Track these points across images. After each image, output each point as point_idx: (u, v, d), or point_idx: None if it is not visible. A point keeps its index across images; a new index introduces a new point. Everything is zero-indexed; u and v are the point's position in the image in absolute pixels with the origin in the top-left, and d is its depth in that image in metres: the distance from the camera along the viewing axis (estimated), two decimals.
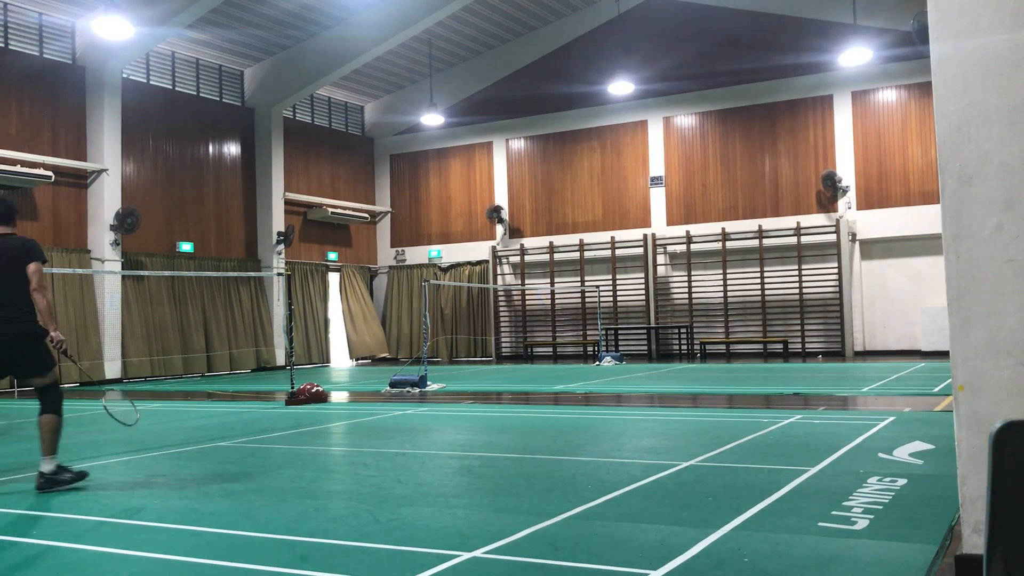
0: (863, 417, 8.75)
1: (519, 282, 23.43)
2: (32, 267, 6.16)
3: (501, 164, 23.90)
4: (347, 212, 23.87)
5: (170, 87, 20.22)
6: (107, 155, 17.88)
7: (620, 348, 21.78)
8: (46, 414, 6.13)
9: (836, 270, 19.91)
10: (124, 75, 18.65)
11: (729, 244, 20.99)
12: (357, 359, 24.14)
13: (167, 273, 13.74)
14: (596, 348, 21.39)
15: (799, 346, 20.23)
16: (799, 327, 20.28)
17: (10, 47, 17.02)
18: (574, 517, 4.76)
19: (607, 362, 19.30)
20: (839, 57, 19.30)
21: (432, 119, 22.53)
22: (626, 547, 4.13)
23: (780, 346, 20.26)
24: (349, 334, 23.94)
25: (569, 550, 4.09)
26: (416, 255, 24.98)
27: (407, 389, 13.59)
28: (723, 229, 20.96)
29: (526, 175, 23.62)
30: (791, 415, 9.02)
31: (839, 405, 10.06)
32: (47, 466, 6.01)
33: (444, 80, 24.03)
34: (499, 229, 23.66)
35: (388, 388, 13.83)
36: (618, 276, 22.18)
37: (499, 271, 23.71)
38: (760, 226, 20.62)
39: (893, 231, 19.52)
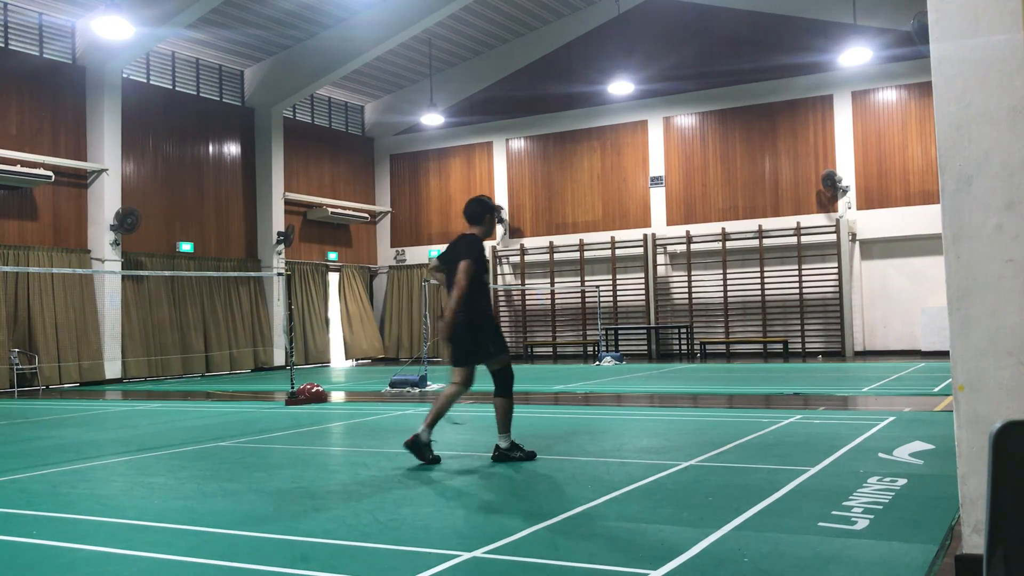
0: (863, 417, 8.75)
1: (519, 282, 23.43)
2: (461, 263, 6.62)
3: (501, 164, 23.90)
4: (347, 212, 23.87)
5: (170, 87, 20.22)
6: (107, 155, 17.88)
7: (620, 348, 21.78)
8: (497, 397, 6.76)
9: (836, 270, 19.91)
10: (124, 75, 18.65)
11: (729, 244, 20.99)
12: (356, 360, 24.14)
13: (167, 273, 13.75)
14: (596, 348, 21.39)
15: (799, 346, 20.23)
16: (799, 327, 20.28)
17: (10, 47, 17.02)
18: (574, 517, 4.76)
19: (607, 362, 19.30)
20: (839, 57, 19.30)
21: (432, 119, 22.53)
22: (626, 547, 4.13)
23: (780, 346, 20.26)
24: (345, 335, 23.95)
25: (569, 550, 4.09)
26: (416, 255, 24.98)
27: (407, 389, 13.59)
28: (723, 229, 20.96)
29: (526, 175, 23.62)
30: (791, 415, 9.02)
31: (839, 405, 10.06)
32: (502, 442, 6.67)
33: (444, 80, 24.03)
34: (499, 229, 23.66)
35: (388, 388, 13.83)
36: (618, 276, 22.18)
37: (499, 271, 23.70)
38: (760, 226, 20.62)
39: (893, 231, 19.52)
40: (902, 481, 5.44)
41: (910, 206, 19.38)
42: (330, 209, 23.23)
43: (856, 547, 4.03)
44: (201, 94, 20.83)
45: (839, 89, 20.18)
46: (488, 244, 23.71)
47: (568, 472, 6.20)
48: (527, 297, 23.43)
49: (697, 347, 21.12)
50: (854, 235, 19.92)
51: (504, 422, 6.72)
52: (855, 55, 18.40)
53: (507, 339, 23.89)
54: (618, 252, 22.19)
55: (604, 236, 22.40)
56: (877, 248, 19.92)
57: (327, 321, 23.52)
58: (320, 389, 12.39)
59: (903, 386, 11.94)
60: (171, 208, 19.72)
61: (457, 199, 24.44)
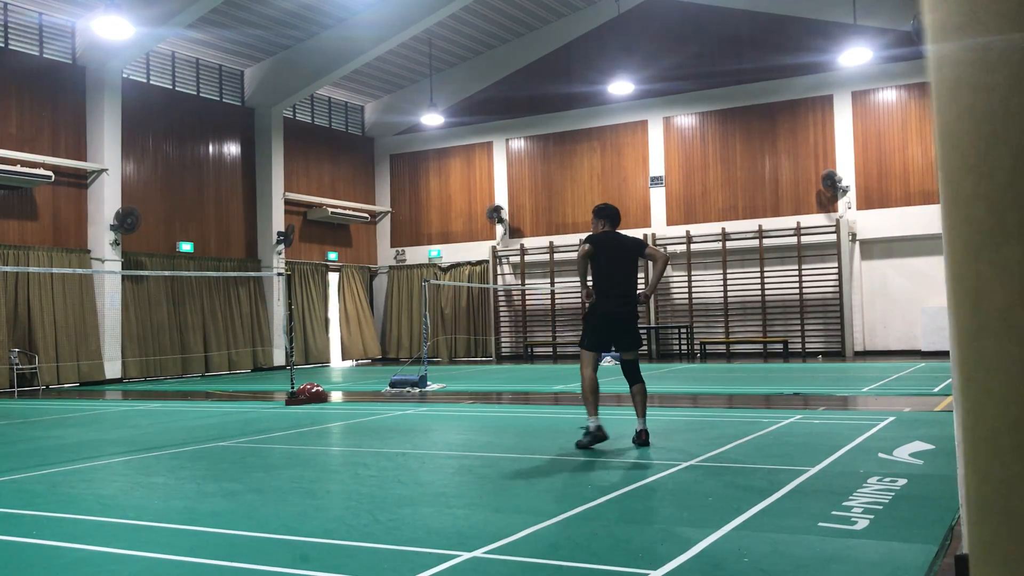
0: (863, 417, 8.75)
1: (519, 282, 23.43)
2: (648, 250, 7.69)
3: (501, 164, 23.90)
4: (347, 212, 23.87)
5: (170, 87, 20.22)
6: (107, 155, 17.88)
7: None
8: (637, 384, 7.33)
9: (836, 270, 19.91)
10: (124, 75, 18.65)
11: (729, 244, 20.99)
12: (356, 360, 24.14)
13: (167, 273, 13.75)
14: None
15: (799, 346, 20.23)
16: (799, 327, 20.27)
17: (10, 47, 17.02)
18: (574, 517, 4.76)
19: (607, 362, 19.26)
20: (839, 57, 19.30)
21: (432, 119, 22.53)
22: (626, 547, 4.13)
23: (780, 346, 20.26)
24: (345, 335, 23.96)
25: (569, 550, 4.09)
26: (416, 255, 24.99)
27: (407, 389, 13.59)
28: (723, 229, 20.96)
29: (526, 175, 23.62)
30: (791, 415, 9.02)
31: (839, 405, 10.06)
32: (642, 425, 7.22)
33: (444, 80, 24.03)
34: (499, 229, 23.66)
35: (388, 388, 13.83)
36: None
37: (499, 271, 23.71)
38: (760, 226, 20.62)
39: (893, 231, 19.52)
40: (902, 481, 5.44)
41: (910, 206, 19.38)
42: (330, 209, 23.23)
43: (856, 547, 4.03)
44: (201, 94, 20.83)
45: (839, 89, 20.18)
46: (487, 244, 23.74)
47: (568, 472, 6.20)
48: (527, 297, 23.43)
49: (697, 347, 21.12)
50: (854, 235, 19.92)
51: (645, 406, 7.33)
52: (855, 55, 18.39)
53: (507, 339, 23.96)
54: None
55: None
56: (877, 248, 19.93)
57: (327, 321, 23.52)
58: (320, 389, 12.39)
59: (903, 386, 11.94)
60: (171, 208, 19.72)
61: (457, 199, 24.44)
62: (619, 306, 7.38)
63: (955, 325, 0.82)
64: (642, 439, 7.15)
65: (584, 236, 7.81)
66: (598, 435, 7.10)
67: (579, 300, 22.77)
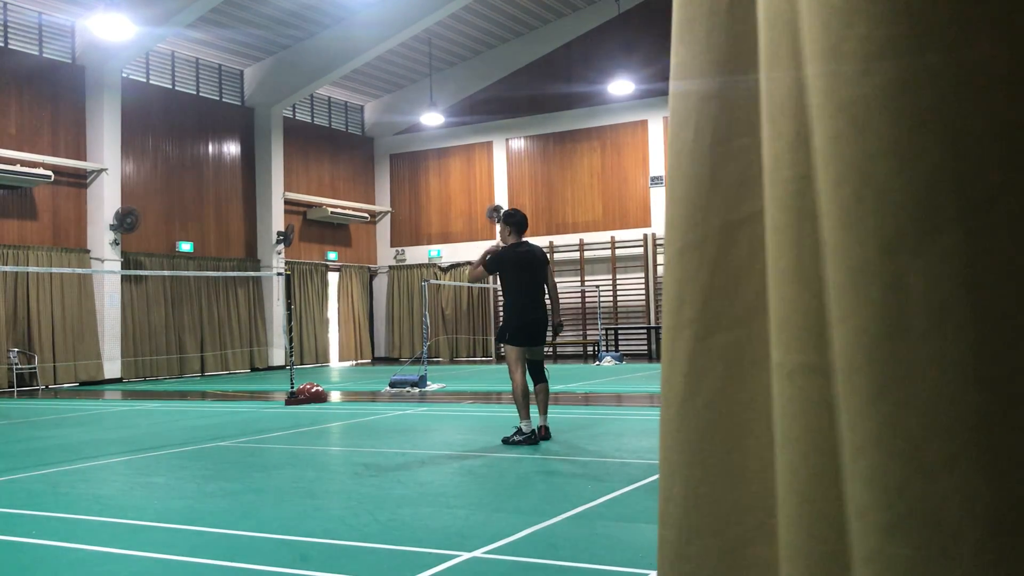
0: None
1: None
2: (548, 269, 8.09)
3: (501, 164, 23.90)
4: (347, 212, 23.87)
5: (170, 87, 20.21)
6: (107, 155, 17.87)
7: (620, 348, 21.78)
8: (542, 383, 7.75)
9: None
10: (124, 75, 18.64)
11: None
12: (356, 360, 24.15)
13: (167, 273, 13.76)
14: (596, 348, 21.39)
15: None
16: None
17: (10, 47, 17.02)
18: (574, 517, 4.76)
19: (607, 362, 19.30)
20: None
21: (432, 119, 22.53)
22: (626, 547, 4.13)
23: None
24: (345, 335, 23.96)
25: (569, 550, 4.09)
26: (416, 255, 24.99)
27: (407, 389, 13.60)
28: None
29: (526, 175, 23.62)
30: None
31: None
32: (543, 422, 7.62)
33: (444, 80, 24.03)
34: (499, 229, 23.63)
35: (388, 388, 13.83)
36: (618, 276, 22.18)
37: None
38: None
39: None
40: None
41: None
42: (330, 209, 23.23)
43: None
44: (201, 94, 20.82)
45: None
46: (487, 244, 23.73)
47: (568, 472, 6.20)
48: None
49: None
50: None
51: (548, 405, 7.84)
52: None
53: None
54: (618, 252, 22.20)
55: (604, 236, 22.41)
56: None
57: (327, 321, 23.53)
58: (320, 389, 12.39)
59: None
60: (171, 208, 19.71)
61: (457, 199, 24.44)
62: (533, 312, 7.74)
63: (862, 330, 0.80)
64: (543, 435, 7.55)
65: (491, 249, 8.27)
66: (532, 438, 7.42)
67: (577, 300, 22.79)
